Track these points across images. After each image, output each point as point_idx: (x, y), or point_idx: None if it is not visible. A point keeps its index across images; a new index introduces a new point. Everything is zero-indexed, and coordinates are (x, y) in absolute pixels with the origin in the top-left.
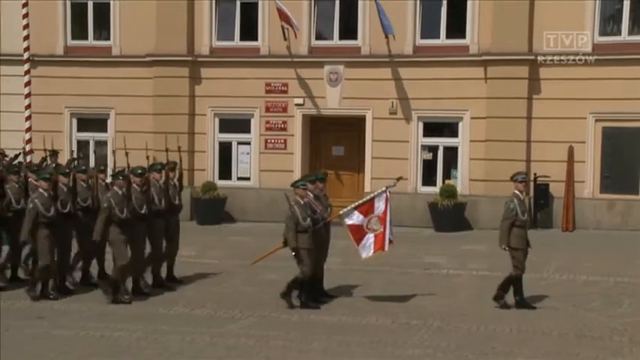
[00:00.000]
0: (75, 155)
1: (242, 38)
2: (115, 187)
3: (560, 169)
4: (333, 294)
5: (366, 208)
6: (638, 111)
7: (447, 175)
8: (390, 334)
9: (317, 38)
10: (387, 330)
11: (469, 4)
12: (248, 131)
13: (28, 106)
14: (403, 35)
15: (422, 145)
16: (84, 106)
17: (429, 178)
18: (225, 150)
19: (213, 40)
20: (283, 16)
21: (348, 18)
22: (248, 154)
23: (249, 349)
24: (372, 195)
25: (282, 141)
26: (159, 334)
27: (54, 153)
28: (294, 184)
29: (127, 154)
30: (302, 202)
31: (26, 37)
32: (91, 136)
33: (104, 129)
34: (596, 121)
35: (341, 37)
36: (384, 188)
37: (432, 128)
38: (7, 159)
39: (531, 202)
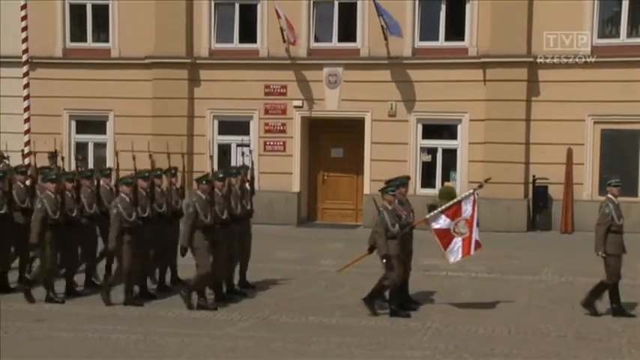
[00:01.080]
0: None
1: (241, 40)
2: (199, 192)
3: (559, 171)
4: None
5: (453, 211)
6: (636, 113)
7: (445, 177)
8: (389, 336)
9: (316, 40)
10: (386, 332)
11: (468, 6)
12: (247, 133)
13: (27, 109)
14: (402, 37)
15: (421, 147)
16: (83, 108)
17: (428, 180)
18: (224, 152)
19: (212, 42)
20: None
21: (347, 20)
22: (247, 156)
23: (247, 351)
24: (459, 198)
25: (281, 143)
26: (157, 336)
27: (54, 155)
28: (384, 190)
29: (134, 157)
30: (390, 208)
31: (25, 39)
32: (89, 139)
33: (103, 131)
34: (595, 123)
35: (340, 40)
36: (471, 191)
37: (431, 130)
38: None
39: (530, 204)
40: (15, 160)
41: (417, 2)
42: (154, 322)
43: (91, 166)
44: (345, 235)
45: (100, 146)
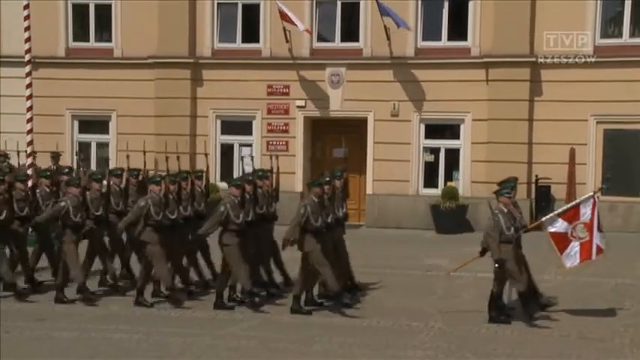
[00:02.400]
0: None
1: (244, 40)
2: (312, 196)
3: (561, 171)
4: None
5: (571, 214)
6: (639, 113)
7: (448, 177)
8: (391, 336)
9: (319, 40)
10: (388, 331)
11: (470, 6)
12: (250, 133)
13: (30, 108)
14: (404, 37)
15: (424, 147)
16: (85, 108)
17: (430, 180)
18: (227, 152)
19: (214, 42)
20: (286, 18)
21: (349, 20)
22: (250, 155)
23: (250, 350)
24: (577, 201)
25: (284, 143)
26: (160, 335)
27: (56, 155)
28: (499, 192)
29: (127, 156)
30: (505, 211)
31: (27, 39)
32: (92, 138)
33: (106, 131)
34: (598, 123)
35: (342, 39)
36: (590, 193)
37: (434, 130)
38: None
39: (533, 204)
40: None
41: (419, 2)
42: (157, 322)
43: (93, 165)
44: (349, 235)
45: (102, 146)
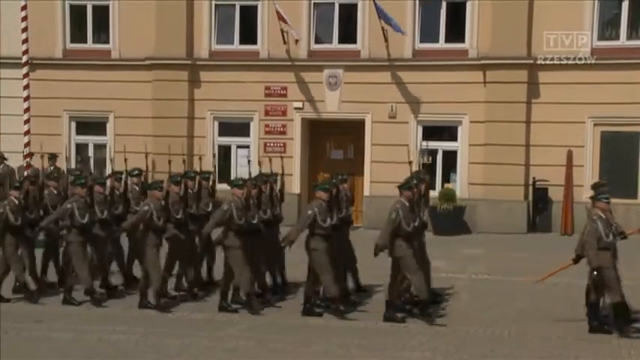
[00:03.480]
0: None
1: (241, 42)
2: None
3: (559, 173)
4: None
5: None
6: (636, 115)
7: (446, 178)
8: (389, 337)
9: (316, 42)
10: (386, 333)
11: (468, 7)
12: (247, 135)
13: (27, 110)
14: (402, 39)
15: (421, 149)
16: (83, 110)
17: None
18: (224, 153)
19: (212, 44)
20: (283, 19)
21: (347, 22)
22: (247, 157)
23: (247, 351)
24: None
25: (282, 144)
26: (158, 337)
27: (53, 156)
28: (596, 197)
29: (125, 160)
30: (603, 217)
31: (25, 40)
32: (90, 140)
33: (103, 132)
34: (595, 125)
35: (340, 41)
36: None
37: (432, 132)
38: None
39: (530, 206)
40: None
41: (417, 3)
42: (154, 323)
43: (91, 167)
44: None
45: (100, 147)
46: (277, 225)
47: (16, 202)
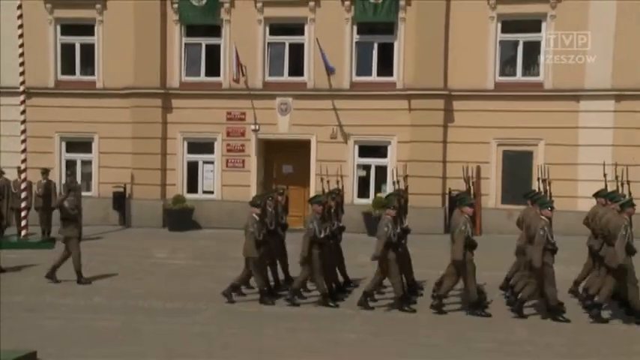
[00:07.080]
0: None
1: (207, 74)
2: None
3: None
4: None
5: None
6: (530, 137)
7: (377, 189)
8: (330, 321)
9: (270, 74)
10: (328, 317)
11: (395, 47)
12: (212, 152)
13: (24, 131)
14: (341, 73)
15: (357, 165)
16: (72, 131)
17: (363, 192)
18: (192, 168)
19: (182, 76)
20: (238, 57)
21: (296, 58)
22: (212, 171)
23: (211, 335)
24: None
25: (241, 161)
26: (137, 324)
27: (45, 171)
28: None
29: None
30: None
31: (22, 73)
32: (77, 157)
33: (89, 150)
34: (498, 145)
35: (290, 74)
36: None
37: (366, 150)
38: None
39: (447, 211)
40: (12, 175)
41: (354, 44)
42: (134, 312)
43: (79, 179)
44: (295, 239)
45: (86, 163)
46: (341, 233)
47: None
